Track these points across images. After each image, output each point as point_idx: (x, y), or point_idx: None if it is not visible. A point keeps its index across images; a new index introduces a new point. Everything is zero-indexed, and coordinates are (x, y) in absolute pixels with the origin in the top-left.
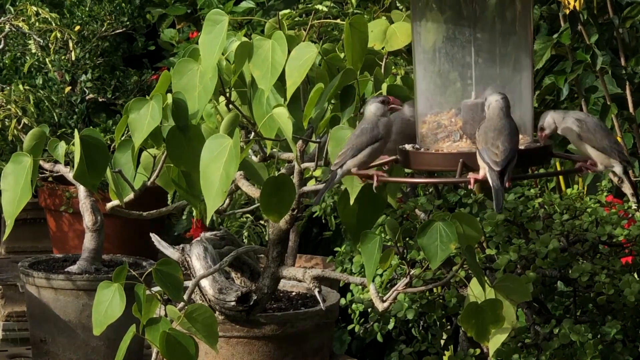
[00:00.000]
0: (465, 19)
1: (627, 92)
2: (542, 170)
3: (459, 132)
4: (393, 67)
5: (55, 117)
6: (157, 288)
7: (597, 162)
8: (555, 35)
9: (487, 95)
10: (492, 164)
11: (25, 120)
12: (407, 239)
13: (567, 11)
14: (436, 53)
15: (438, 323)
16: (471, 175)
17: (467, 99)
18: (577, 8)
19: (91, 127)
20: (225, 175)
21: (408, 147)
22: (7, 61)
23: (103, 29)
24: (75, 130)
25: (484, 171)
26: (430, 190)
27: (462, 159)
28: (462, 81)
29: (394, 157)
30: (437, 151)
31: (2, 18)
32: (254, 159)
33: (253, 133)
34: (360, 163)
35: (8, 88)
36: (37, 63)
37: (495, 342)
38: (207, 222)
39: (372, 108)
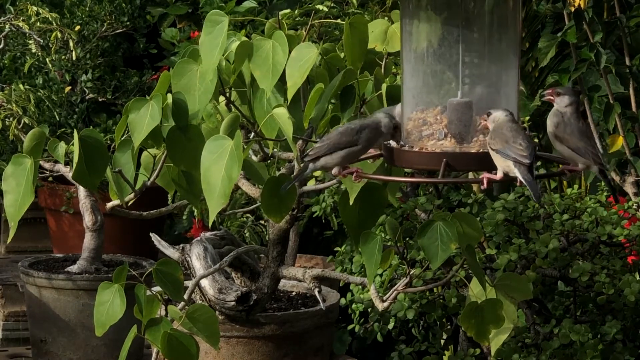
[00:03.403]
0: (454, 17)
1: (631, 91)
2: (542, 171)
3: (443, 131)
4: (393, 67)
5: (56, 117)
6: (158, 288)
7: (576, 161)
8: (559, 34)
9: (491, 111)
10: (520, 159)
11: (25, 120)
12: (407, 239)
13: (573, 9)
14: (424, 51)
15: (438, 323)
16: (485, 175)
17: (454, 97)
18: (582, 6)
19: (91, 127)
20: (227, 177)
21: (393, 143)
22: (7, 61)
23: (103, 29)
24: (75, 131)
25: (502, 172)
26: (430, 190)
27: (446, 158)
28: (449, 79)
29: (379, 153)
30: (421, 149)
31: (2, 18)
32: (254, 158)
33: (253, 133)
34: (335, 163)
35: (8, 88)
36: (37, 63)
37: (496, 342)
38: (210, 224)
39: (385, 120)
